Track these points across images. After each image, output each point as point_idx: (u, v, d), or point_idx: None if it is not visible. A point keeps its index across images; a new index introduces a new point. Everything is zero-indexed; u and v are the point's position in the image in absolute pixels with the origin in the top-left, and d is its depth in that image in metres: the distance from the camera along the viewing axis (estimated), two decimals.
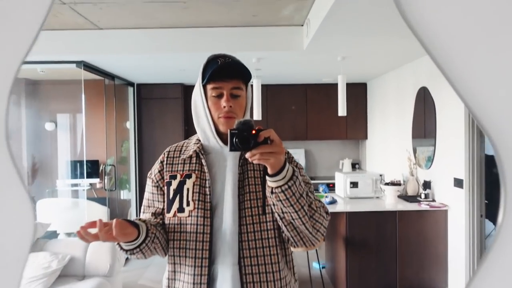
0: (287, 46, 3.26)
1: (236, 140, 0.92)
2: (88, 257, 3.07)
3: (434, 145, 3.41)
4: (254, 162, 0.93)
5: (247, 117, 1.14)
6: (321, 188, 3.94)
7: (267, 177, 0.96)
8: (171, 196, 1.09)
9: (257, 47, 3.25)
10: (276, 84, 5.36)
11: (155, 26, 3.23)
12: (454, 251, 3.13)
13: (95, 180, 5.01)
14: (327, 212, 1.09)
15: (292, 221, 1.02)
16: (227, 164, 1.09)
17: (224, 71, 1.07)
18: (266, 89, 5.27)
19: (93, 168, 5.07)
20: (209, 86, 1.09)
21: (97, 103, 4.66)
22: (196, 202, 1.07)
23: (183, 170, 1.11)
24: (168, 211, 1.09)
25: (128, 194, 5.33)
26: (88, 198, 4.44)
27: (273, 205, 1.01)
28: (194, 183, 1.08)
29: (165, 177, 1.12)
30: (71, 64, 3.50)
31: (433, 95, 3.46)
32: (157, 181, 1.14)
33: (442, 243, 3.21)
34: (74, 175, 5.07)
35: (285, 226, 1.04)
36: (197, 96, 1.13)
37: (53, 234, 4.27)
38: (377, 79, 5.07)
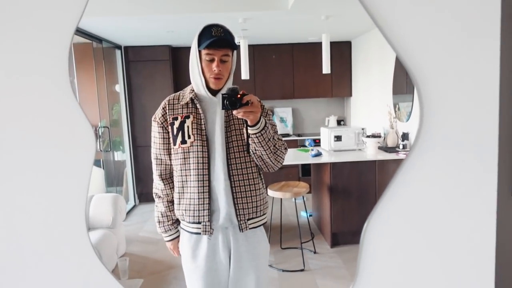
0: (271, 6, 3.34)
1: (227, 102, 1.29)
2: (91, 211, 3.29)
3: (412, 100, 3.62)
4: (239, 116, 1.31)
5: (232, 77, 1.49)
6: (307, 143, 4.18)
7: (248, 127, 1.36)
8: (175, 132, 1.43)
9: (242, 8, 3.33)
10: (263, 44, 5.42)
11: None
12: None
13: None
14: (285, 148, 1.52)
15: (261, 155, 1.43)
16: (216, 110, 1.44)
17: (217, 42, 1.38)
18: (253, 49, 5.34)
19: None
20: (203, 52, 1.39)
21: (87, 67, 4.68)
22: (195, 135, 1.42)
23: (182, 113, 1.44)
24: (174, 144, 1.44)
25: (122, 156, 5.49)
26: None
27: (249, 145, 1.43)
28: (192, 122, 1.42)
29: (168, 119, 1.45)
30: None
31: None
32: (162, 123, 1.46)
33: None
34: None
35: (256, 158, 1.45)
36: (193, 59, 1.44)
37: None
38: (361, 36, 5.16)
